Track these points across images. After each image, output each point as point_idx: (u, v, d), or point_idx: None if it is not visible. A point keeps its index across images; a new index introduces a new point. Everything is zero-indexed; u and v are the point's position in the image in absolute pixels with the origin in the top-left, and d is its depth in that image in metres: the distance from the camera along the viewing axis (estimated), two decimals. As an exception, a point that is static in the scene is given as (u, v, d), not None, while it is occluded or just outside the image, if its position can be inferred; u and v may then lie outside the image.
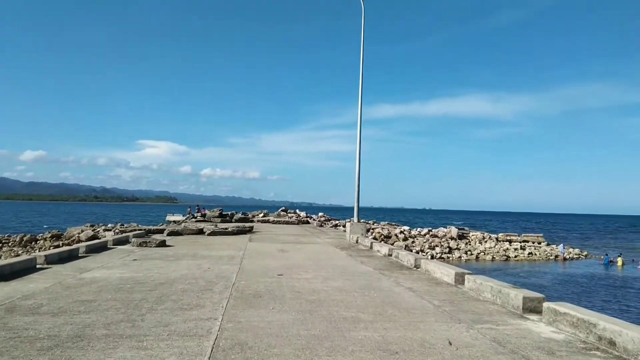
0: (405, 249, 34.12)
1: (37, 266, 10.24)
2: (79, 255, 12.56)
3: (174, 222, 41.99)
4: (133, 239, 16.03)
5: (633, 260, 38.03)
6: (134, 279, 8.88)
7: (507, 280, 9.03)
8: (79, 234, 36.06)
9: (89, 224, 48.02)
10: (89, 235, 34.96)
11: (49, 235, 36.08)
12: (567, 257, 39.45)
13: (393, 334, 5.56)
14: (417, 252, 35.23)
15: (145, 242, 15.67)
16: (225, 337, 5.22)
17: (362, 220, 23.64)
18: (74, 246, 13.28)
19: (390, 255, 14.04)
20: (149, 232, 21.69)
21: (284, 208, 49.85)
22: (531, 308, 6.93)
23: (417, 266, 11.74)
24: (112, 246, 15.38)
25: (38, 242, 34.02)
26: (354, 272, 10.62)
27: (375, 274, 10.55)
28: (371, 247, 16.44)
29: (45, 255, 10.69)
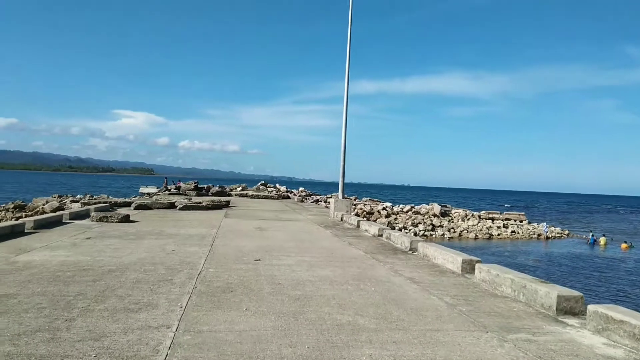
0: (388, 225, 33.10)
1: (-35, 246, 8.53)
2: (25, 231, 10.83)
3: (148, 194, 39.98)
4: (93, 213, 14.28)
5: (612, 239, 37.87)
6: (78, 265, 7.27)
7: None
8: (43, 205, 33.80)
9: (56, 195, 45.54)
10: (54, 206, 32.74)
11: (12, 205, 33.79)
12: (550, 236, 39.08)
13: (408, 351, 4.15)
14: (400, 230, 34.25)
15: (107, 217, 13.94)
16: (178, 360, 3.73)
17: (346, 196, 22.27)
18: (19, 221, 11.51)
19: (381, 235, 12.69)
20: (115, 205, 19.90)
21: (263, 182, 48.18)
22: (566, 309, 5.63)
23: (412, 249, 10.42)
24: (68, 221, 13.62)
25: (-1, 213, 31.71)
26: (342, 257, 9.21)
27: (367, 259, 9.16)
28: (358, 226, 15.07)
29: (-25, 233, 8.95)
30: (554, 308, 5.63)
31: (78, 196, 44.51)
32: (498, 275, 6.91)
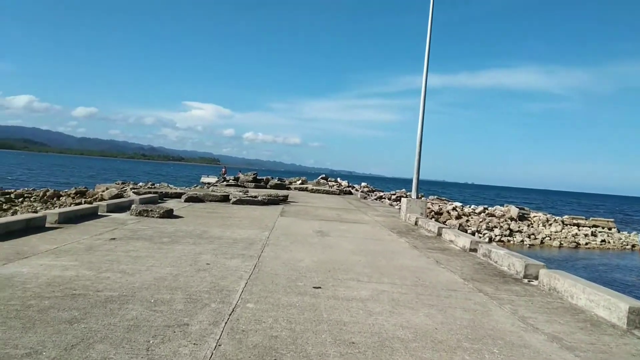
0: (459, 228, 29.80)
1: (-44, 245, 6.82)
2: (45, 226, 9.15)
3: (208, 184, 39.10)
4: (134, 206, 12.56)
5: None
6: (71, 285, 5.23)
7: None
8: (103, 192, 33.66)
9: (120, 182, 45.98)
10: (113, 193, 32.34)
11: (74, 191, 33.85)
12: (649, 248, 33.91)
13: None
14: (473, 233, 30.83)
15: (147, 212, 12.16)
16: None
17: (422, 197, 19.44)
18: (40, 213, 9.88)
19: (474, 250, 9.92)
20: (165, 196, 18.36)
21: (323, 175, 46.00)
22: None
23: (528, 276, 7.61)
24: (104, 213, 11.97)
25: (61, 198, 31.78)
26: (435, 286, 6.61)
27: (471, 292, 6.49)
28: (439, 234, 12.32)
29: (-25, 228, 7.24)
30: None
31: (140, 183, 44.63)
32: None
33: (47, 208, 27.73)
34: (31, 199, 30.58)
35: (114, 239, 8.43)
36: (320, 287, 5.93)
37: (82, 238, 8.24)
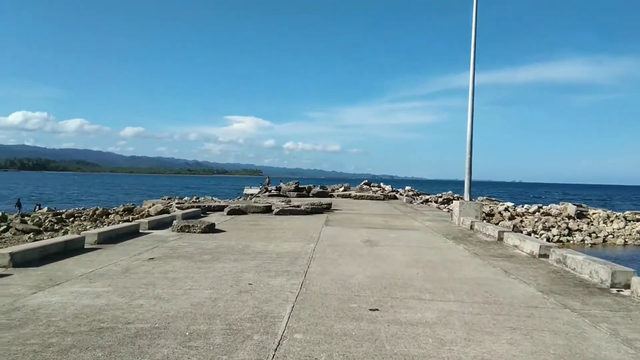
0: (513, 229, 28.18)
1: (-10, 272, 6.52)
2: (84, 247, 8.85)
3: (251, 195, 39.02)
4: (175, 222, 12.22)
5: None
6: (99, 317, 4.70)
7: None
8: (149, 208, 34.18)
9: (166, 197, 46.82)
10: (159, 209, 32.80)
11: (122, 208, 34.56)
12: None
13: None
14: (529, 234, 29.03)
15: (189, 227, 11.76)
16: None
17: (478, 199, 18.25)
18: (78, 235, 9.61)
19: (545, 256, 8.83)
20: (208, 210, 18.08)
21: (366, 181, 45.01)
22: None
23: (615, 285, 6.54)
24: (146, 231, 11.68)
25: (110, 215, 32.47)
26: (511, 302, 5.68)
27: (555, 307, 5.52)
28: (500, 239, 11.25)
29: (10, 254, 6.94)
30: None
31: (185, 198, 45.26)
32: None
33: (96, 226, 28.29)
34: (81, 218, 31.36)
35: (152, 258, 7.98)
36: (377, 309, 5.15)
37: (119, 259, 7.83)
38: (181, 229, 11.77)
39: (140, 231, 11.53)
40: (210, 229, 11.92)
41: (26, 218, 28.95)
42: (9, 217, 28.42)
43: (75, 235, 9.18)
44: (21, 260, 7.00)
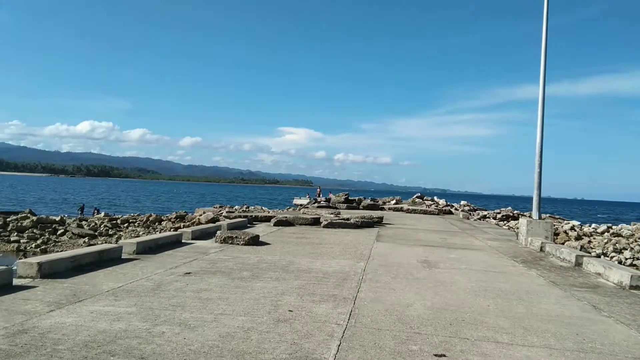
0: (581, 250, 25.79)
1: (16, 282, 6.07)
2: (121, 257, 8.37)
3: (300, 205, 38.51)
4: (219, 232, 11.66)
5: None
6: (112, 346, 4.00)
7: None
8: (200, 215, 34.35)
9: (217, 205, 47.24)
10: (210, 217, 32.71)
11: (174, 216, 34.91)
12: None
13: None
14: (598, 256, 26.51)
15: (232, 238, 11.15)
16: None
17: (547, 217, 16.64)
18: (116, 244, 9.17)
19: (638, 288, 7.41)
20: (255, 220, 17.55)
21: (419, 194, 43.31)
22: None
23: None
24: (188, 241, 11.17)
25: (162, 222, 32.89)
26: (614, 353, 4.47)
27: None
28: (579, 264, 9.80)
29: (39, 264, 6.49)
30: None
31: (236, 206, 45.42)
32: None
33: (149, 233, 28.59)
34: (135, 224, 31.93)
35: (188, 273, 7.33)
36: (444, 355, 4.14)
37: (154, 273, 7.24)
38: (224, 240, 11.17)
39: (183, 241, 11.03)
40: (254, 241, 11.24)
41: (83, 223, 29.80)
42: (67, 221, 29.35)
43: (112, 245, 8.76)
44: (49, 271, 6.54)
